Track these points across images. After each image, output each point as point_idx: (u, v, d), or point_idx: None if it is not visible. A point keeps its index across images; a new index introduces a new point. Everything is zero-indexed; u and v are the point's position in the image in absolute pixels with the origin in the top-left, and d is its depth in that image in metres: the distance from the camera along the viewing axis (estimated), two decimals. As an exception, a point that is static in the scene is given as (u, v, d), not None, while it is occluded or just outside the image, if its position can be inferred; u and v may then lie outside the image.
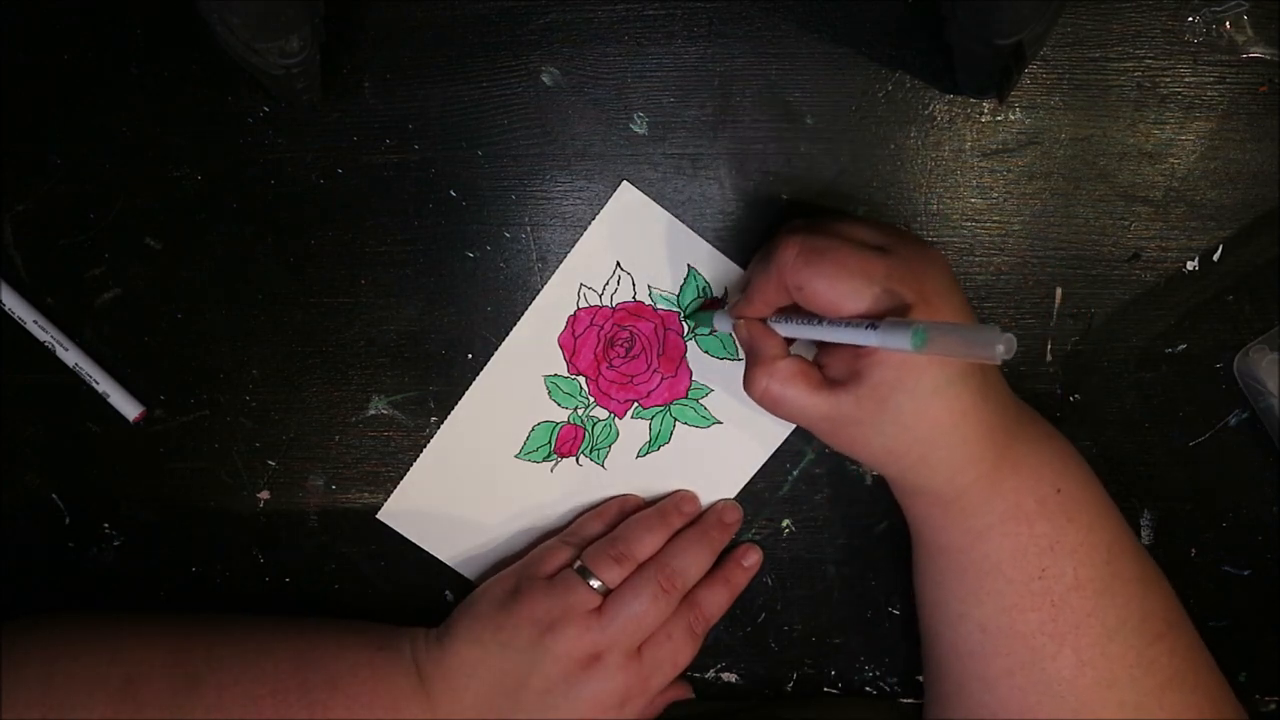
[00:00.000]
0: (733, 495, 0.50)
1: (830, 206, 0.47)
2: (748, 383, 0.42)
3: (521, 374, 0.49)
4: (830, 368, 0.41)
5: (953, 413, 0.39)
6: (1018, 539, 0.40)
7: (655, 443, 0.49)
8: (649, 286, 0.48)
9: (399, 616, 0.49)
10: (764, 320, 0.43)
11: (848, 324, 0.38)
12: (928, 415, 0.38)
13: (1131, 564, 0.42)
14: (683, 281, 0.48)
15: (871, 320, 0.37)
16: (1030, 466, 0.41)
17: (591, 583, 0.45)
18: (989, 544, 0.41)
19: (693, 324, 0.48)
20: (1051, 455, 0.42)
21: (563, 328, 0.48)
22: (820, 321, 0.39)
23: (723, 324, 0.46)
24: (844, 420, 0.40)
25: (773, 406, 0.42)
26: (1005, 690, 0.41)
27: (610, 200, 0.47)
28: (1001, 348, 0.32)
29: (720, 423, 0.49)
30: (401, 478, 0.50)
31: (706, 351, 0.49)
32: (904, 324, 0.35)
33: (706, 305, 0.48)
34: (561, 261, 0.48)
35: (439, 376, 0.49)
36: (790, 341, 0.43)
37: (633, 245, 0.48)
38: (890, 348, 0.36)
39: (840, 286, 0.38)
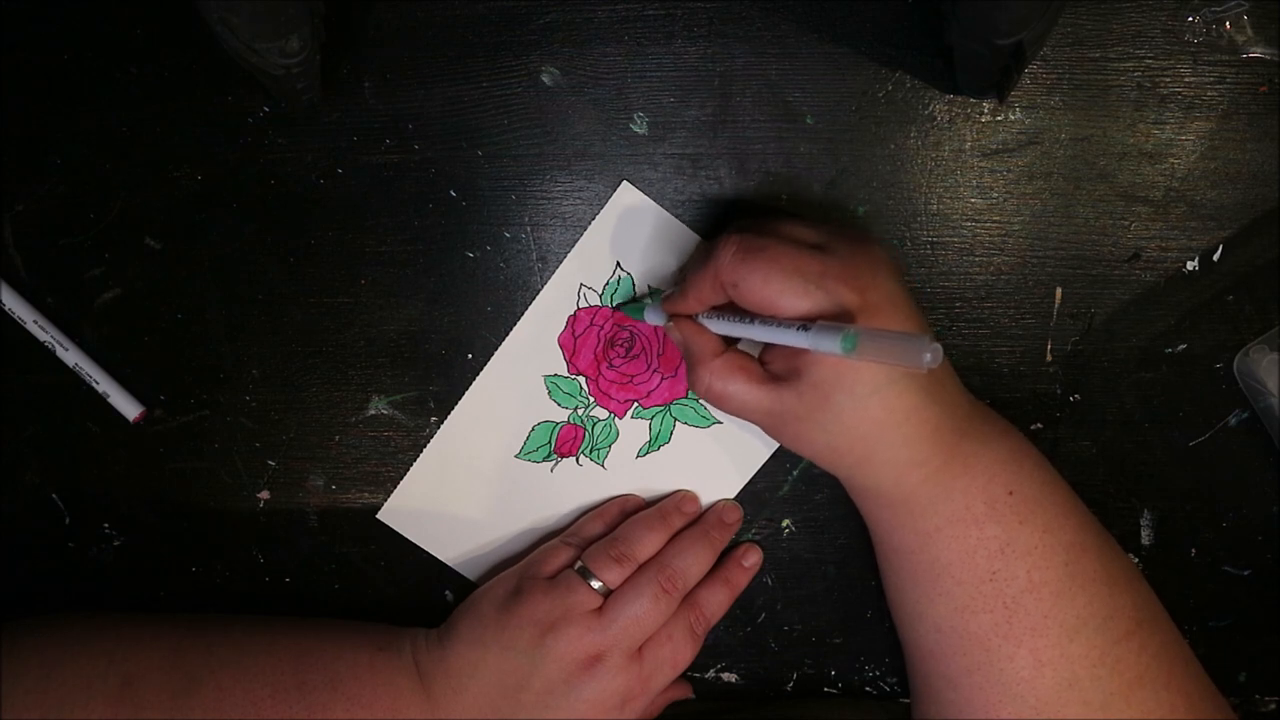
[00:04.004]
0: (733, 495, 0.50)
1: (830, 206, 0.47)
2: (690, 380, 0.43)
3: (521, 374, 0.49)
4: (772, 364, 0.42)
5: (894, 412, 0.39)
6: (966, 541, 0.40)
7: (655, 443, 0.49)
8: (649, 286, 0.48)
9: (399, 616, 0.49)
10: (696, 318, 0.43)
11: (780, 324, 0.38)
12: (868, 414, 0.39)
13: (1094, 564, 0.41)
14: (683, 281, 0.48)
15: (804, 322, 0.37)
16: (981, 468, 0.41)
17: (592, 583, 0.45)
18: (938, 546, 0.41)
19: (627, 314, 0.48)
20: (1005, 456, 0.41)
21: (563, 328, 0.48)
22: (753, 320, 0.39)
23: (654, 317, 0.46)
24: (787, 416, 0.40)
25: (717, 402, 0.42)
26: (967, 690, 0.41)
27: (610, 200, 0.47)
28: (929, 356, 0.33)
29: (720, 423, 0.49)
30: (401, 478, 0.50)
31: (706, 351, 0.49)
32: (834, 328, 0.35)
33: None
34: (561, 261, 0.48)
35: (439, 376, 0.49)
36: (735, 341, 0.43)
37: (633, 245, 0.48)
38: (821, 350, 0.36)
39: (774, 284, 0.38)
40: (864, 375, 0.38)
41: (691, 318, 0.43)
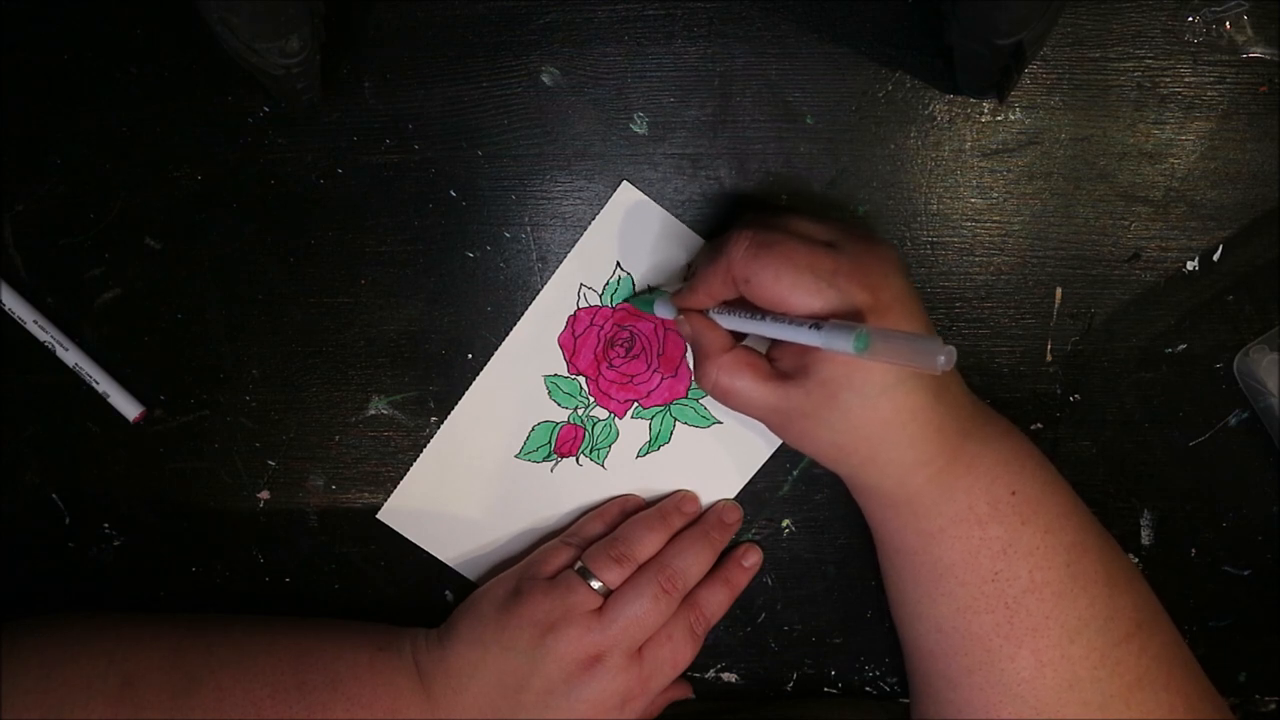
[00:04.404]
0: (733, 495, 0.50)
1: (830, 206, 0.47)
2: (698, 375, 0.43)
3: (521, 374, 0.49)
4: (780, 360, 0.42)
5: (901, 412, 0.39)
6: (969, 542, 0.40)
7: (655, 443, 0.49)
8: (649, 286, 0.48)
9: (399, 616, 0.49)
10: (706, 313, 0.43)
11: (791, 321, 0.38)
12: (876, 414, 0.38)
13: (1095, 565, 0.41)
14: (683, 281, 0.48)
15: (816, 320, 0.37)
16: (984, 468, 0.41)
17: (592, 584, 0.45)
18: (941, 546, 0.41)
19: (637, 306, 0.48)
20: (1008, 456, 0.41)
21: (563, 328, 0.48)
22: (764, 317, 0.39)
23: (664, 311, 0.45)
24: (793, 413, 0.40)
25: (723, 398, 0.42)
26: (967, 690, 0.41)
27: (610, 200, 0.47)
28: (942, 359, 0.33)
29: (720, 422, 0.49)
30: (401, 478, 0.50)
31: (706, 351, 0.49)
32: (847, 327, 0.35)
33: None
34: (561, 261, 0.48)
35: (439, 376, 0.49)
36: (742, 337, 0.43)
37: (633, 245, 0.48)
38: (832, 349, 0.36)
39: (786, 280, 0.38)
40: (873, 375, 0.38)
41: (702, 313, 0.43)
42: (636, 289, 0.48)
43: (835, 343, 0.36)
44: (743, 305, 0.41)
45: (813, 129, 0.46)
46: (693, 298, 0.43)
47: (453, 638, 0.46)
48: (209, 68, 0.46)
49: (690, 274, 0.44)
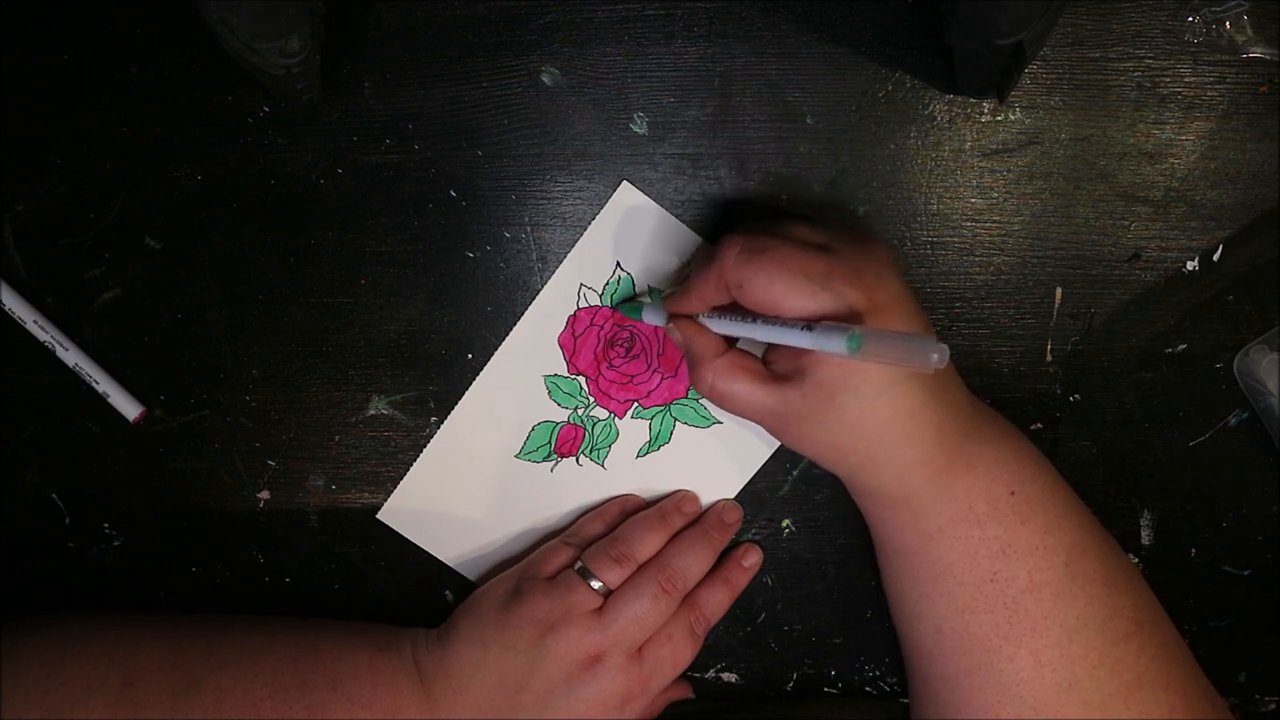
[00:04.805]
0: (733, 495, 0.50)
1: (830, 206, 0.47)
2: (693, 380, 0.43)
3: (521, 374, 0.49)
4: (776, 364, 0.42)
5: (899, 412, 0.39)
6: (968, 541, 0.40)
7: (655, 443, 0.49)
8: (649, 286, 0.48)
9: (399, 616, 0.49)
10: (697, 318, 0.43)
11: (783, 324, 0.38)
12: (874, 414, 0.38)
13: (1095, 565, 0.41)
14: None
15: (807, 322, 0.37)
16: (983, 468, 0.41)
17: (592, 584, 0.45)
18: (940, 546, 0.41)
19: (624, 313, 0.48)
20: (1007, 456, 0.41)
21: (563, 328, 0.48)
22: (756, 320, 0.39)
23: (652, 317, 0.45)
24: (790, 416, 0.40)
25: (720, 402, 0.42)
26: (966, 690, 0.41)
27: (610, 200, 0.47)
28: (936, 356, 0.33)
29: (720, 422, 0.49)
30: (401, 478, 0.50)
31: (706, 351, 0.49)
32: (839, 328, 0.35)
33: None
34: (561, 261, 0.48)
35: (439, 376, 0.49)
36: (735, 341, 0.43)
37: (633, 245, 0.48)
38: (825, 351, 0.36)
39: (779, 284, 0.38)
40: (870, 376, 0.38)
41: (693, 318, 0.43)
42: (636, 289, 0.48)
43: (827, 344, 0.35)
44: (735, 309, 0.41)
45: (813, 129, 0.46)
46: (685, 303, 0.43)
47: (453, 638, 0.46)
48: (209, 68, 0.46)
49: (683, 276, 0.44)
